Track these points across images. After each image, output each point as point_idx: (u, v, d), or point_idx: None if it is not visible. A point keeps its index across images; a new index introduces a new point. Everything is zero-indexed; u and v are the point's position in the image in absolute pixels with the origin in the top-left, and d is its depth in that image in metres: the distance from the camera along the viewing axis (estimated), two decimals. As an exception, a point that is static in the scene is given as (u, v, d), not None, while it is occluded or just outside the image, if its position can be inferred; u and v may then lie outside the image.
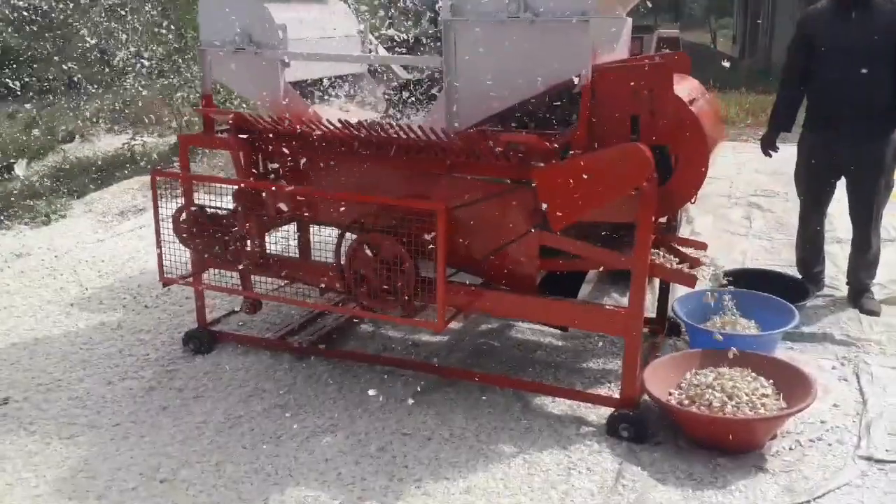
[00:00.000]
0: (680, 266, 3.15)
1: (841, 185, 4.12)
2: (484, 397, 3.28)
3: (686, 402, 3.01)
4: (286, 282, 3.63)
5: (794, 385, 3.01)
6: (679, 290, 4.23)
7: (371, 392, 3.29)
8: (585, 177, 2.74)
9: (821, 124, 4.03)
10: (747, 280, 4.14)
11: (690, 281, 3.05)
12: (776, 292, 3.99)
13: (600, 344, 3.79)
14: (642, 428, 2.95)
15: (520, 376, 3.48)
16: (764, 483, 2.68)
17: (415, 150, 3.10)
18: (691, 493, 2.64)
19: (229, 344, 3.80)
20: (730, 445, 2.86)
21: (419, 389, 3.33)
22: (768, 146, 4.25)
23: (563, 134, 2.96)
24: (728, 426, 2.85)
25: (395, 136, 3.03)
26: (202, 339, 3.77)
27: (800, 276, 4.32)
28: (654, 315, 3.83)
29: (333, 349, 3.65)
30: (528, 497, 2.64)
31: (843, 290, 4.27)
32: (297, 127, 3.19)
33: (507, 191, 3.05)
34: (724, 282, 3.57)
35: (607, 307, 3.02)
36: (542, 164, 2.86)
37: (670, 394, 3.10)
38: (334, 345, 3.74)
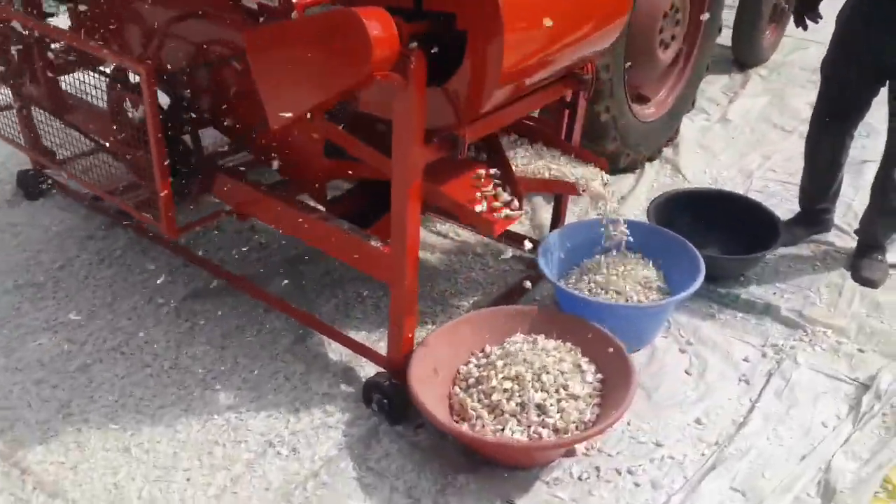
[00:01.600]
0: (506, 201, 2.19)
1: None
2: (257, 319, 2.62)
3: (471, 382, 2.22)
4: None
5: (619, 385, 2.12)
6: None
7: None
8: (295, 52, 1.82)
9: None
10: (696, 206, 3.06)
11: (488, 227, 2.11)
12: (738, 227, 2.94)
13: (470, 257, 2.96)
14: (399, 403, 2.21)
15: (334, 290, 2.77)
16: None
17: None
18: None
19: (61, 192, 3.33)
20: (502, 461, 2.11)
21: (193, 291, 2.74)
22: (807, 11, 2.87)
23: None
24: (486, 448, 2.07)
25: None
26: (29, 184, 3.33)
27: (787, 211, 3.13)
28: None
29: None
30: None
31: (852, 241, 3.06)
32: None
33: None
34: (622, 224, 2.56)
35: (372, 242, 2.17)
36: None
37: (468, 361, 2.31)
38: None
